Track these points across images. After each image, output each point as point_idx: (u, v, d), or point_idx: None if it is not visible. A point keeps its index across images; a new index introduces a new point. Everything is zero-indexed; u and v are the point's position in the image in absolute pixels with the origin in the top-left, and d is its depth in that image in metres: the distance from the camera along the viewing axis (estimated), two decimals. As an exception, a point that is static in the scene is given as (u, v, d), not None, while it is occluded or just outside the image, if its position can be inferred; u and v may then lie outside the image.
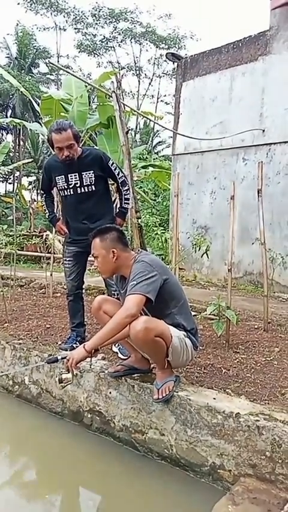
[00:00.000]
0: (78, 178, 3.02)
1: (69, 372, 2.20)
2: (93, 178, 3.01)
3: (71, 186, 3.05)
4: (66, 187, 3.06)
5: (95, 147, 11.44)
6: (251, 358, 3.01)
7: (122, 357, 2.86)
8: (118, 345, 2.95)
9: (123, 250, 2.36)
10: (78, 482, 2.29)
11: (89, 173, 3.00)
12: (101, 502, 2.21)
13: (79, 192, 3.05)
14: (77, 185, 3.03)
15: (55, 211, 3.46)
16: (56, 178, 3.08)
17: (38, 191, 25.86)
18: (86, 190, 3.04)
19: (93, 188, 3.04)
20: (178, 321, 2.33)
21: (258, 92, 6.74)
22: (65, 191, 3.09)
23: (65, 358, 2.24)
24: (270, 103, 6.61)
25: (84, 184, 3.03)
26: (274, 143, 6.57)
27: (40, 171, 23.19)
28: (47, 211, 3.33)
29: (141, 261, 2.25)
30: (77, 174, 3.00)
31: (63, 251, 3.40)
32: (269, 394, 2.39)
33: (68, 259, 3.24)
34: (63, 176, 3.04)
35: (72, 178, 3.02)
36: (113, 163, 3.11)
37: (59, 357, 2.32)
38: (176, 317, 2.33)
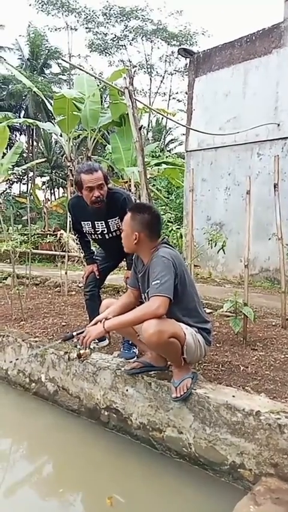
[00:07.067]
0: (105, 226, 2.98)
1: (87, 348, 2.19)
2: (120, 224, 2.91)
3: (98, 232, 3.02)
4: (93, 232, 3.04)
5: (110, 148, 11.28)
6: (269, 355, 2.95)
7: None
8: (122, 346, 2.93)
9: (148, 237, 2.30)
10: (95, 480, 2.27)
11: (115, 220, 2.95)
12: (119, 500, 2.19)
13: (107, 237, 3.03)
14: (105, 232, 3.01)
15: (91, 248, 3.33)
16: (82, 223, 3.04)
17: (52, 191, 26.12)
18: (114, 234, 2.98)
19: (121, 232, 2.89)
20: (187, 321, 2.28)
21: (272, 85, 6.64)
22: (92, 235, 3.08)
23: (80, 333, 2.26)
24: (285, 96, 6.50)
25: (112, 230, 2.99)
26: (289, 137, 6.46)
27: (53, 171, 23.40)
28: (82, 251, 3.32)
29: (162, 257, 2.19)
30: (103, 222, 2.96)
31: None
32: (289, 392, 2.33)
33: (98, 256, 3.31)
34: (89, 222, 3.00)
35: (99, 226, 2.99)
36: None
37: (74, 333, 2.29)
38: (185, 318, 2.28)
